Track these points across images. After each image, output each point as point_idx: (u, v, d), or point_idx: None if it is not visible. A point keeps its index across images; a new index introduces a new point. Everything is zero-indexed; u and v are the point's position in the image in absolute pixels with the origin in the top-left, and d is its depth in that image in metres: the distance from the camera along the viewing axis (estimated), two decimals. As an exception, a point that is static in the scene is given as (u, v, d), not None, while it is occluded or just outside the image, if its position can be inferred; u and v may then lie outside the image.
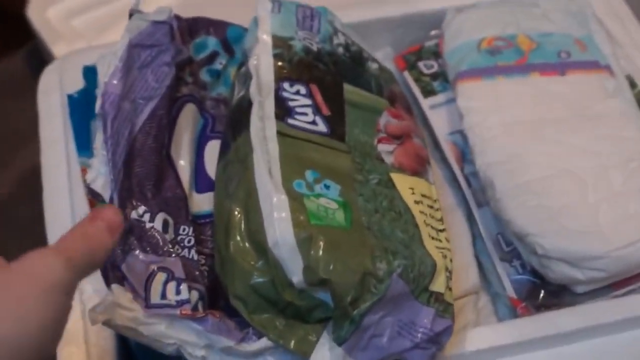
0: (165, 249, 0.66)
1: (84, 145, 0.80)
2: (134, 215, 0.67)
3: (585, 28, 0.90)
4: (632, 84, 0.88)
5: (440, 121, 0.88)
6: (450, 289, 0.68)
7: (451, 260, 0.69)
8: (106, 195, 0.68)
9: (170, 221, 0.68)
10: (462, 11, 0.93)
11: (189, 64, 0.79)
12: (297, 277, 0.62)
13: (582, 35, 0.89)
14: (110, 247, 0.54)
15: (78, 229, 0.53)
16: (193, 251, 0.68)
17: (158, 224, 0.67)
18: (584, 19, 0.91)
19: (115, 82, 0.71)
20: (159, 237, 0.67)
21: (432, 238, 0.69)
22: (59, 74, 0.88)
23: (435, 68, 0.92)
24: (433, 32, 0.96)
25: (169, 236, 0.67)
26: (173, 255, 0.66)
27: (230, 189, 0.68)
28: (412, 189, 0.72)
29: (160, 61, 0.74)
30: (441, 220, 0.73)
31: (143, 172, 0.69)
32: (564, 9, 0.92)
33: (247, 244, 0.65)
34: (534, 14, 0.92)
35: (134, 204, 0.67)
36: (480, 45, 0.88)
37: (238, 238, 0.65)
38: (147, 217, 0.67)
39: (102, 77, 0.71)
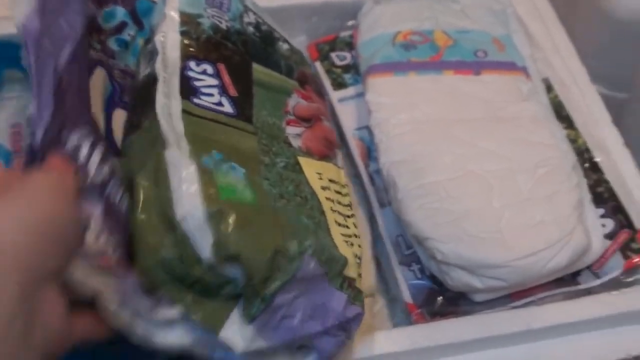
0: None
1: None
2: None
3: (505, 27, 0.87)
4: (549, 88, 0.85)
5: (348, 115, 0.86)
6: (360, 276, 0.67)
7: (360, 246, 0.68)
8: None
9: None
10: (380, 2, 0.90)
11: (96, 32, 0.77)
12: (206, 252, 0.60)
13: (501, 35, 0.86)
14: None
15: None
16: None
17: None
18: (504, 18, 0.89)
19: (34, 21, 0.67)
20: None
21: (339, 224, 0.68)
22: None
23: (348, 60, 0.90)
24: (350, 23, 0.93)
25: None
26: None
27: (138, 163, 0.65)
28: (319, 174, 0.71)
29: (70, 9, 0.71)
30: (349, 205, 0.72)
31: (75, 106, 0.66)
32: (485, 6, 0.89)
33: (154, 219, 0.62)
34: (453, 9, 0.89)
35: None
36: (395, 39, 0.85)
37: (145, 213, 0.62)
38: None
39: (20, 19, 0.68)
